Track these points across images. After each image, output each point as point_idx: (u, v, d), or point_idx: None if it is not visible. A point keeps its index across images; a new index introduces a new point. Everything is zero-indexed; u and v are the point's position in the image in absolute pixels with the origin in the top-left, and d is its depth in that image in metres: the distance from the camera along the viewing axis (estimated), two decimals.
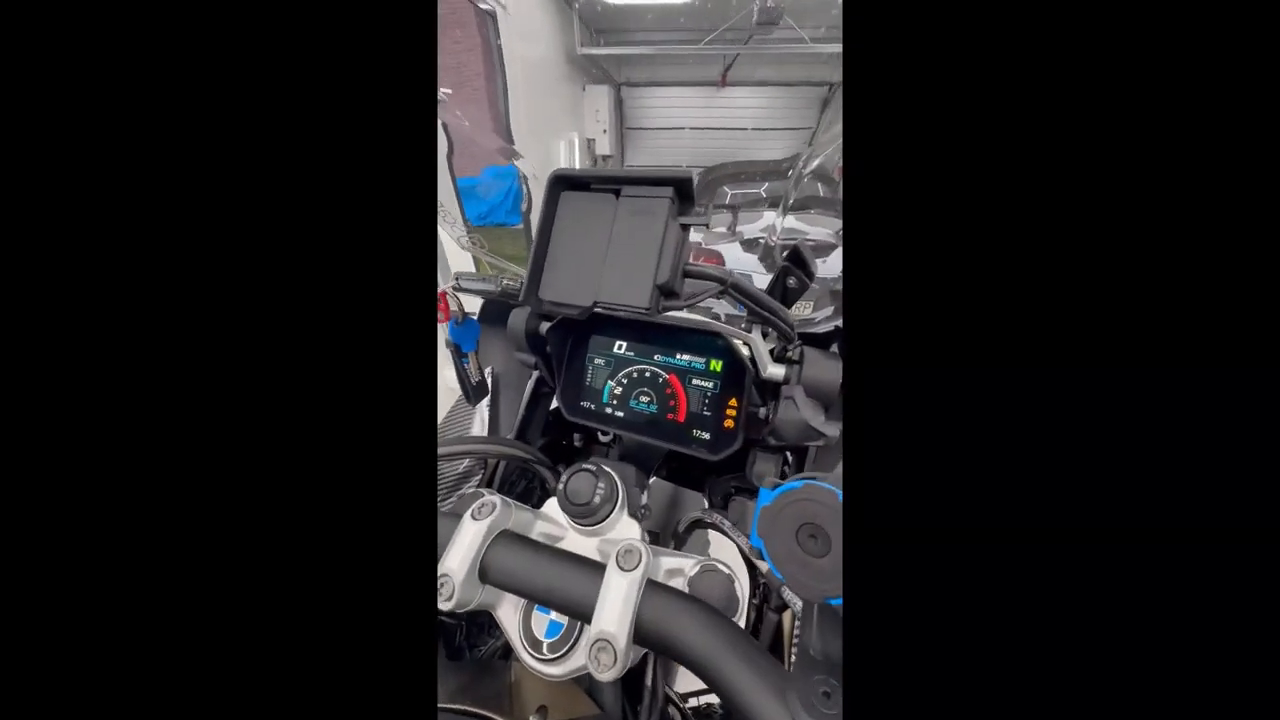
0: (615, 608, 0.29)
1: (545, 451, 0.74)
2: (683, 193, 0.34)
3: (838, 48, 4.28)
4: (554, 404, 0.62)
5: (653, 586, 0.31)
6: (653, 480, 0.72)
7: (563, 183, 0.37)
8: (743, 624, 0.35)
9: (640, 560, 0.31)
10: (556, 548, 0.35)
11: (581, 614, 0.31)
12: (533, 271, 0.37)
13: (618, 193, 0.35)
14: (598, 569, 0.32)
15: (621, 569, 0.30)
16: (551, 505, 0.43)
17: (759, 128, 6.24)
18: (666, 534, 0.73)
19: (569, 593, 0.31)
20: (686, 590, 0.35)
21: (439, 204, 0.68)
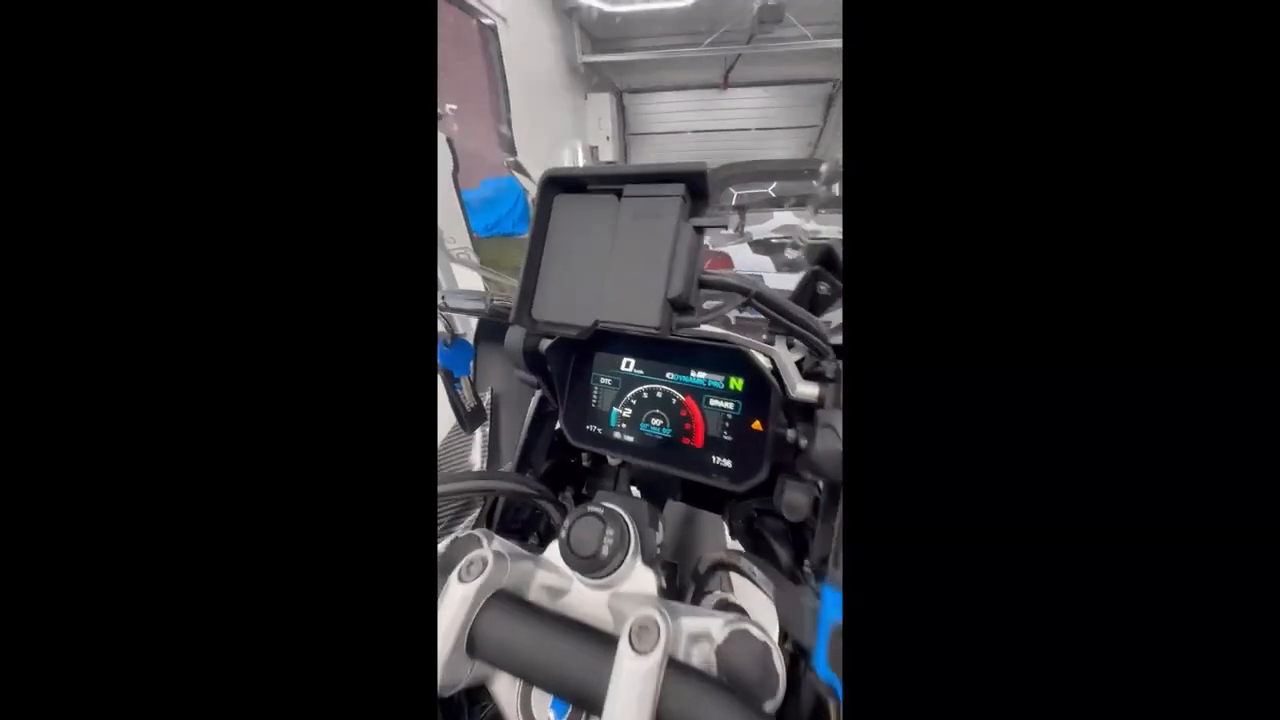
0: (629, 707, 0.23)
1: (553, 473, 0.69)
2: (695, 190, 0.29)
3: (841, 42, 4.22)
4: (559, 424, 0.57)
5: (675, 671, 0.25)
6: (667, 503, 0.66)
7: (556, 185, 0.32)
8: (780, 700, 0.29)
9: (659, 638, 0.25)
10: (559, 614, 0.30)
11: (589, 704, 0.25)
12: (524, 288, 0.32)
13: (620, 193, 0.31)
14: (608, 645, 0.27)
15: (636, 651, 0.25)
16: (555, 550, 0.37)
17: (763, 128, 6.20)
18: (685, 566, 0.68)
19: (573, 677, 0.26)
20: (713, 660, 0.29)
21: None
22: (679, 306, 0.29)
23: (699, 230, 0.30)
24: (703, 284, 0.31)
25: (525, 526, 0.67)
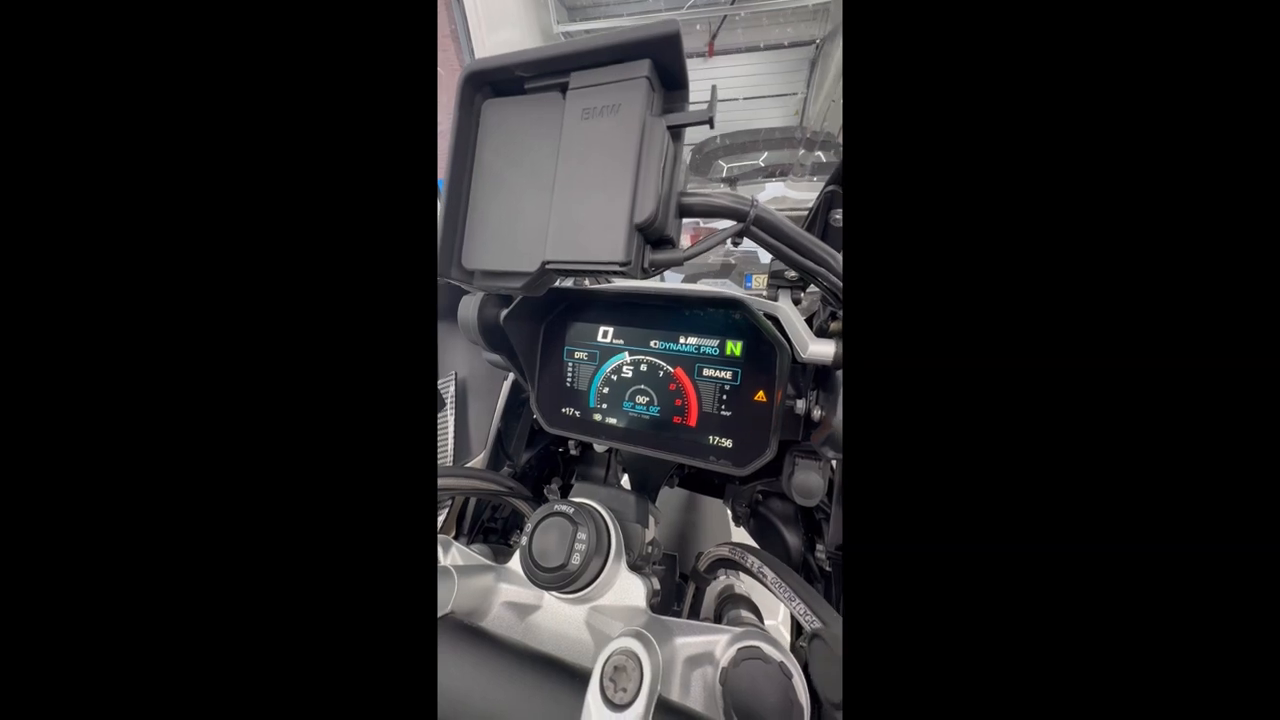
0: None
1: (536, 464, 0.62)
2: (666, 70, 0.21)
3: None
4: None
5: (664, 714, 0.19)
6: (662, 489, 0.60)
7: (483, 84, 0.24)
8: None
9: (640, 685, 0.18)
10: (518, 646, 0.23)
11: None
12: (448, 228, 0.24)
13: (564, 88, 0.23)
14: (579, 686, 0.20)
15: (610, 703, 0.18)
16: (519, 560, 0.30)
17: (750, 96, 6.00)
18: (686, 556, 0.61)
19: None
20: (719, 690, 0.23)
21: None
22: (653, 237, 0.22)
23: (675, 131, 0.22)
24: (685, 209, 0.23)
25: (506, 525, 0.61)
